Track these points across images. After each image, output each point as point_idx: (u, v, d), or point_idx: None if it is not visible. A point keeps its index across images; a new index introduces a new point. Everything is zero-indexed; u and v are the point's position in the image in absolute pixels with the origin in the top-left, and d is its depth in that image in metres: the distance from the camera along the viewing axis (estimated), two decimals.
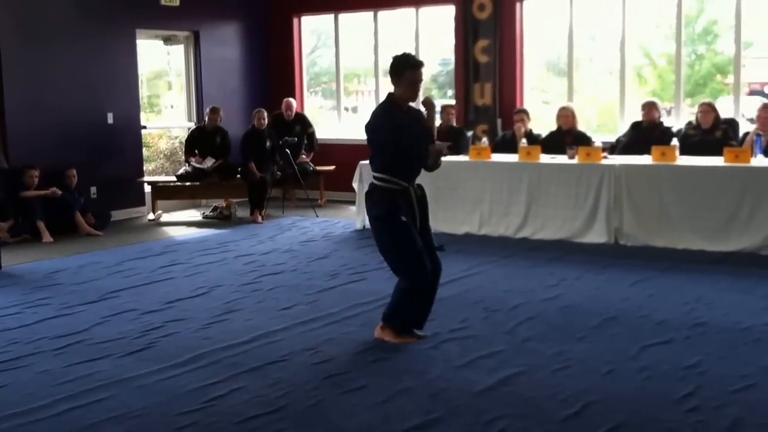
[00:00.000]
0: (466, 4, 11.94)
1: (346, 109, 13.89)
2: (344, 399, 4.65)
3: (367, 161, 9.98)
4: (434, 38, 12.76)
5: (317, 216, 11.37)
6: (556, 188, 9.08)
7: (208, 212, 11.72)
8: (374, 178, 5.56)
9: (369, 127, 5.55)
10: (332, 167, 12.62)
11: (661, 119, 10.00)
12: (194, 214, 12.07)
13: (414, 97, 5.55)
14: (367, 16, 13.02)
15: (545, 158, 9.38)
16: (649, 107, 9.85)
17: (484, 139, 10.44)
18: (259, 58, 13.74)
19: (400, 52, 5.57)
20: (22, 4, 10.55)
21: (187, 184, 11.63)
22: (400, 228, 5.41)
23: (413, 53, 5.60)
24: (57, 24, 10.90)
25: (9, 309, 6.78)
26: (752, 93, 11.46)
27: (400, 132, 5.42)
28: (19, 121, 10.44)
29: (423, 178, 5.75)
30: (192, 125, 12.71)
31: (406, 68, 5.44)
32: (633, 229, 8.72)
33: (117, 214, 11.46)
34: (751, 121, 9.86)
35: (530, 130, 10.37)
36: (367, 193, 5.61)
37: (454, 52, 12.31)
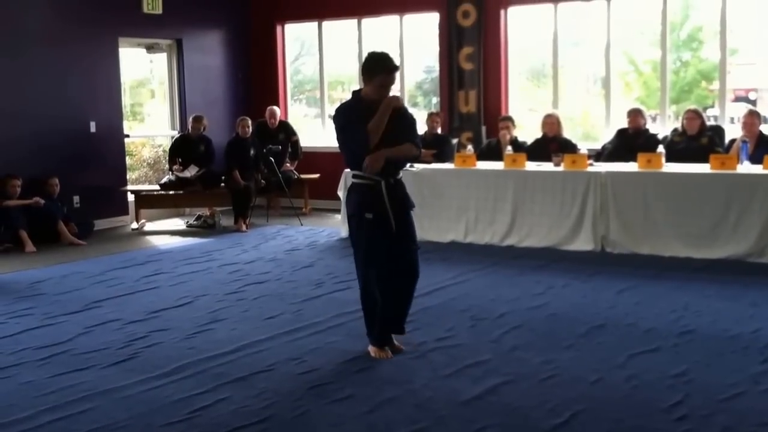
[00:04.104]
0: (450, 11, 11.94)
1: (331, 116, 13.83)
2: (330, 409, 4.60)
3: None
4: (418, 46, 12.76)
5: (302, 224, 11.32)
6: (542, 196, 9.06)
7: (192, 221, 11.66)
8: (351, 176, 5.52)
9: (334, 127, 5.46)
10: (317, 175, 12.58)
11: (647, 126, 10.00)
12: (178, 223, 12.00)
13: (382, 99, 5.29)
14: (351, 23, 13.00)
15: (531, 166, 9.35)
16: (635, 114, 9.84)
17: (469, 147, 10.43)
18: (242, 66, 13.70)
19: (377, 51, 5.36)
20: (1, 13, 10.47)
21: (171, 192, 11.58)
22: (363, 226, 5.37)
23: (395, 58, 5.44)
24: (38, 32, 10.82)
25: None
26: (737, 99, 11.49)
27: (347, 126, 5.32)
28: (1, 130, 10.37)
29: (408, 186, 5.71)
30: (175, 133, 12.66)
31: (380, 70, 5.25)
32: (619, 237, 8.71)
33: (100, 224, 11.37)
34: (732, 120, 9.91)
35: (515, 138, 10.35)
36: (347, 192, 5.56)
37: (438, 59, 12.31)
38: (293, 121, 13.40)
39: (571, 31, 11.73)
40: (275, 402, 4.71)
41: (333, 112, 5.52)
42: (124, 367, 5.41)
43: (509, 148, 9.87)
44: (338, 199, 10.23)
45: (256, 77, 13.82)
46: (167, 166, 12.14)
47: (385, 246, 5.39)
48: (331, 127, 13.39)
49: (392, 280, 5.46)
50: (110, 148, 11.79)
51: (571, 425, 4.29)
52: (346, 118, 5.37)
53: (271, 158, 11.58)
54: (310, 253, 9.29)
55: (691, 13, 11.55)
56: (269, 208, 12.34)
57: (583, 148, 9.84)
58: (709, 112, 10.88)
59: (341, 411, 4.57)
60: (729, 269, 7.85)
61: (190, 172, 11.50)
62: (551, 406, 4.55)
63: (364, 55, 5.41)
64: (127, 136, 12.28)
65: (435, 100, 12.75)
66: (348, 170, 9.95)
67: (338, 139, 5.47)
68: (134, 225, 11.58)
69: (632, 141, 9.64)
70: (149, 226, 11.69)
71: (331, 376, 5.14)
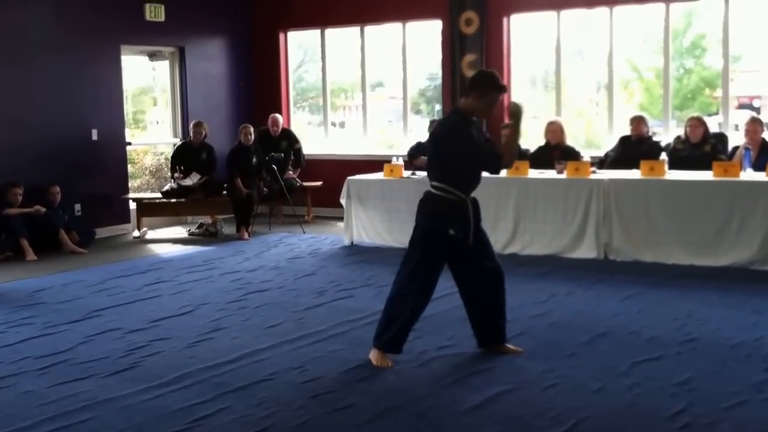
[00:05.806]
0: (452, 18, 11.93)
1: (333, 124, 13.84)
2: (331, 418, 4.58)
3: (355, 177, 10.06)
4: (421, 53, 12.73)
5: (304, 232, 11.30)
6: (545, 203, 9.04)
7: (193, 229, 11.64)
8: (432, 186, 5.50)
9: (441, 139, 5.48)
10: (319, 183, 12.56)
11: (650, 133, 9.98)
12: (180, 231, 11.98)
13: (485, 117, 5.46)
14: (353, 31, 12.99)
15: (533, 173, 9.34)
16: (638, 121, 9.84)
17: None
18: (245, 73, 13.70)
19: (488, 70, 5.58)
20: (3, 20, 10.48)
21: (173, 200, 11.56)
22: (421, 239, 5.43)
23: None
24: (40, 39, 10.83)
25: None
26: (741, 107, 11.46)
27: (473, 146, 5.39)
28: (2, 137, 10.38)
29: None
30: (177, 141, 12.64)
31: (493, 89, 5.35)
32: (622, 245, 8.68)
33: (101, 232, 11.36)
34: (736, 128, 9.90)
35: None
36: (422, 201, 5.55)
37: (441, 66, 12.29)
38: (296, 128, 13.39)
39: (573, 39, 11.71)
40: (276, 411, 4.69)
41: (431, 124, 5.61)
42: (125, 377, 5.39)
43: None
44: (341, 206, 10.22)
45: (259, 85, 13.82)
46: (169, 173, 12.13)
47: (439, 268, 5.51)
48: (332, 133, 13.47)
49: (477, 292, 5.66)
50: (112, 155, 11.79)
51: None
52: (454, 137, 5.40)
53: (274, 166, 11.56)
54: (312, 261, 9.27)
55: (694, 20, 11.52)
56: (271, 216, 12.33)
57: (586, 155, 9.82)
58: (713, 120, 10.84)
59: (342, 420, 4.55)
60: (732, 277, 7.82)
61: (192, 179, 11.48)
62: (553, 414, 4.52)
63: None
64: (129, 143, 12.28)
65: (438, 107, 12.73)
66: (350, 177, 10.01)
67: (436, 151, 5.53)
68: (136, 233, 11.56)
69: (635, 148, 9.62)
70: (151, 235, 11.68)
71: (332, 385, 5.12)
